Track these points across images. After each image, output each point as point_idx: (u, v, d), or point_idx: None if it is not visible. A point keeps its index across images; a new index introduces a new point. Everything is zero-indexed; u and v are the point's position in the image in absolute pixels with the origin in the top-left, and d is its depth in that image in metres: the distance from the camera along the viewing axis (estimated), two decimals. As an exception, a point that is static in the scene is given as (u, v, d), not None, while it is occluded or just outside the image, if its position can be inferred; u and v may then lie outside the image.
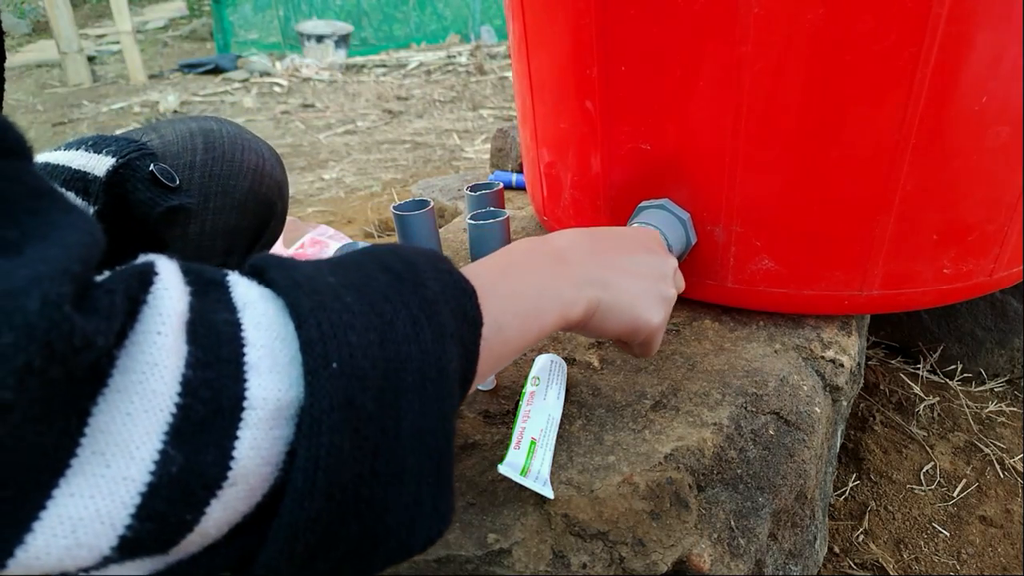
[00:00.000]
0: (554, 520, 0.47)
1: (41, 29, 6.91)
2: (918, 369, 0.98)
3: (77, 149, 0.53)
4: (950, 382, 0.96)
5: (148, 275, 0.25)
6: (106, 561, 0.23)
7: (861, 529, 0.76)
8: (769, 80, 0.55)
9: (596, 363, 0.63)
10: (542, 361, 0.60)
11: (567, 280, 0.42)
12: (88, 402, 0.22)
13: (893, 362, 1.01)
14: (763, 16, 0.53)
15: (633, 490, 0.48)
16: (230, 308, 0.26)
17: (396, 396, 0.27)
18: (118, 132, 0.59)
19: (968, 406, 0.91)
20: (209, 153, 0.62)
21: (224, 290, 0.27)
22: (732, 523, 0.50)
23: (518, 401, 0.57)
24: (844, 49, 0.52)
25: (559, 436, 0.54)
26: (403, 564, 0.45)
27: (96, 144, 0.54)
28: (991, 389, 0.95)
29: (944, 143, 0.55)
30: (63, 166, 0.53)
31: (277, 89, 4.12)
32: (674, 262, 0.52)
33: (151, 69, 4.94)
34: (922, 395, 0.93)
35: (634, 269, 0.47)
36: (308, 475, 0.25)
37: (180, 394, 0.23)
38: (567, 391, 0.59)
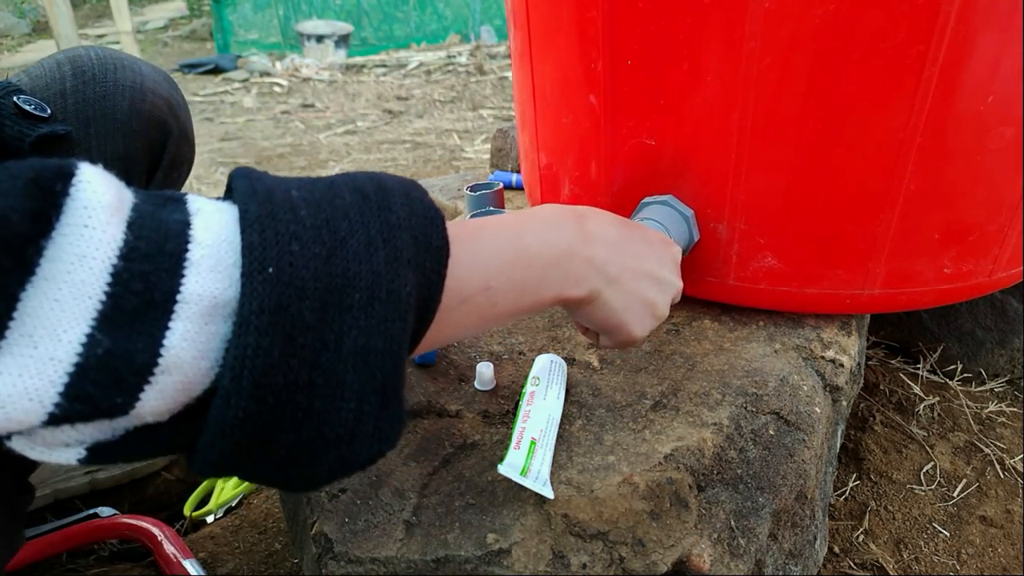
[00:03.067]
0: (554, 520, 0.47)
1: (41, 29, 6.90)
2: (918, 369, 0.98)
3: None
4: (950, 382, 0.96)
5: (67, 169, 0.26)
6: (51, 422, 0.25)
7: (861, 529, 0.76)
8: (776, 77, 0.55)
9: (596, 363, 0.63)
10: (542, 361, 0.60)
11: (581, 261, 0.43)
12: (16, 288, 0.23)
13: (893, 362, 1.01)
14: (772, 12, 0.52)
15: (633, 490, 0.48)
16: (183, 212, 0.28)
17: (340, 312, 0.28)
18: None
19: (968, 406, 0.91)
20: (79, 78, 0.61)
21: (182, 200, 0.29)
22: (732, 523, 0.50)
23: (518, 401, 0.57)
24: (852, 46, 0.52)
25: (559, 436, 0.53)
26: (400, 563, 0.45)
27: None
28: (991, 389, 0.94)
29: (948, 143, 0.55)
30: None
31: (277, 89, 4.12)
32: (681, 286, 0.52)
33: (151, 69, 4.94)
34: (922, 395, 0.93)
35: (645, 278, 0.47)
36: (234, 373, 0.26)
37: (110, 284, 0.25)
38: (567, 391, 0.59)
